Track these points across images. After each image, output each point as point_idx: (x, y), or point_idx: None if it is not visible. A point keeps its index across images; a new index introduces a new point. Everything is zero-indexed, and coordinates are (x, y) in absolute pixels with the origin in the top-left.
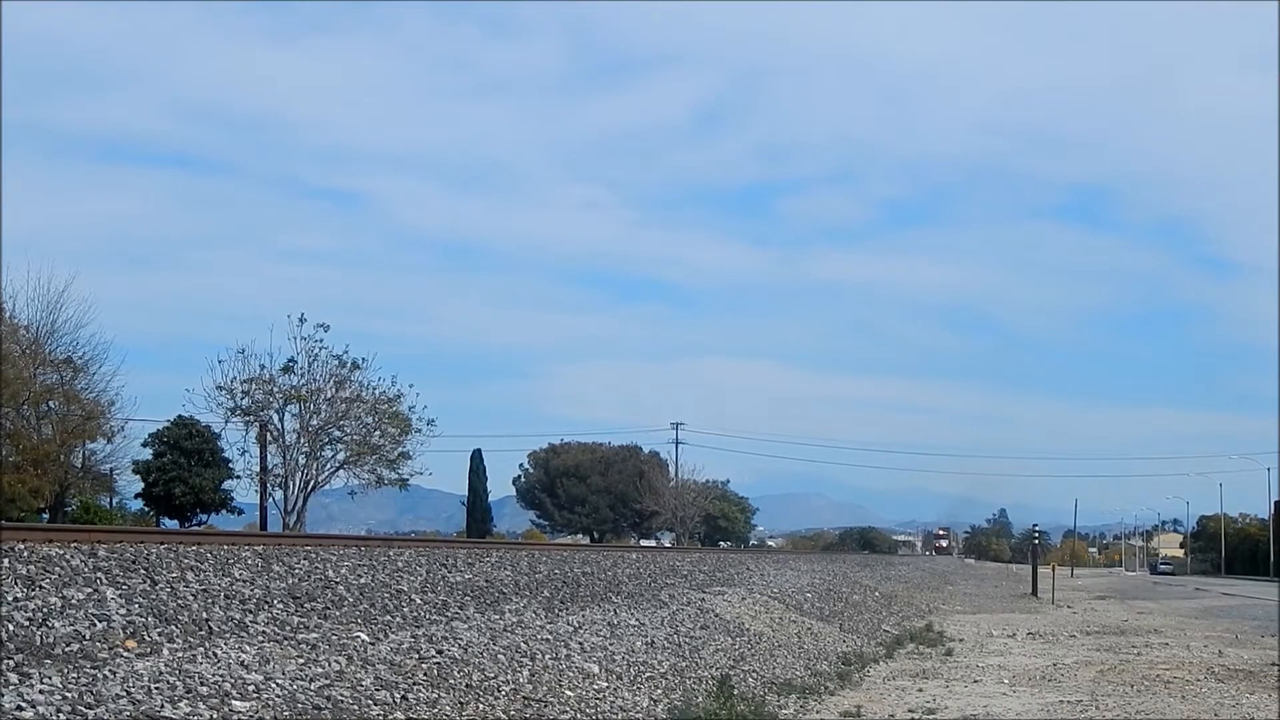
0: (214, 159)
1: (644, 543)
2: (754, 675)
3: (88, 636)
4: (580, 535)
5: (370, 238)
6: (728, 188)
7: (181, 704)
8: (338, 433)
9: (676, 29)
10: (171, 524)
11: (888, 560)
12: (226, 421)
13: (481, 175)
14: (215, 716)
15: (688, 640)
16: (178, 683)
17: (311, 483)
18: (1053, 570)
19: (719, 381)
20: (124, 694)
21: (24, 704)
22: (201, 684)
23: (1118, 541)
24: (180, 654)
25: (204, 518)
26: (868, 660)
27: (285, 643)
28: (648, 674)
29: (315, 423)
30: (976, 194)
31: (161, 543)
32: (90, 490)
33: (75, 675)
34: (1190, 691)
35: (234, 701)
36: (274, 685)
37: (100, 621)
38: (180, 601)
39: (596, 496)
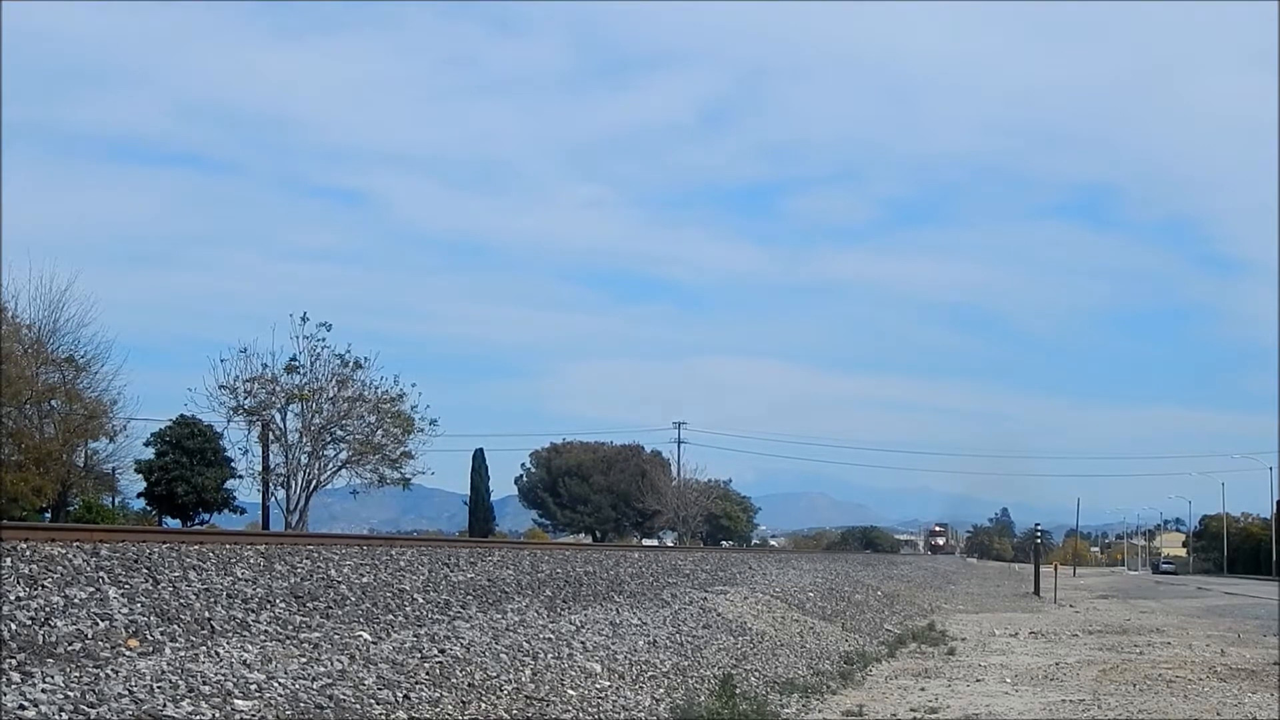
0: (218, 158)
1: (646, 542)
2: (756, 674)
3: (90, 636)
4: (582, 534)
5: (374, 236)
6: (732, 187)
7: (184, 703)
8: (340, 432)
9: (681, 28)
10: (174, 523)
11: (890, 559)
12: (229, 421)
13: (485, 174)
14: (218, 716)
15: (690, 639)
16: (180, 682)
17: (314, 482)
18: (1055, 569)
19: (722, 380)
20: (126, 693)
21: (26, 703)
22: (204, 683)
23: (1120, 541)
24: (182, 653)
25: (206, 517)
26: (870, 659)
27: (288, 642)
28: (650, 673)
29: (318, 422)
30: (980, 193)
31: (164, 542)
32: (92, 489)
33: (77, 674)
34: (1193, 691)
35: (236, 701)
36: (276, 684)
37: (102, 621)
38: (182, 601)
39: (599, 496)
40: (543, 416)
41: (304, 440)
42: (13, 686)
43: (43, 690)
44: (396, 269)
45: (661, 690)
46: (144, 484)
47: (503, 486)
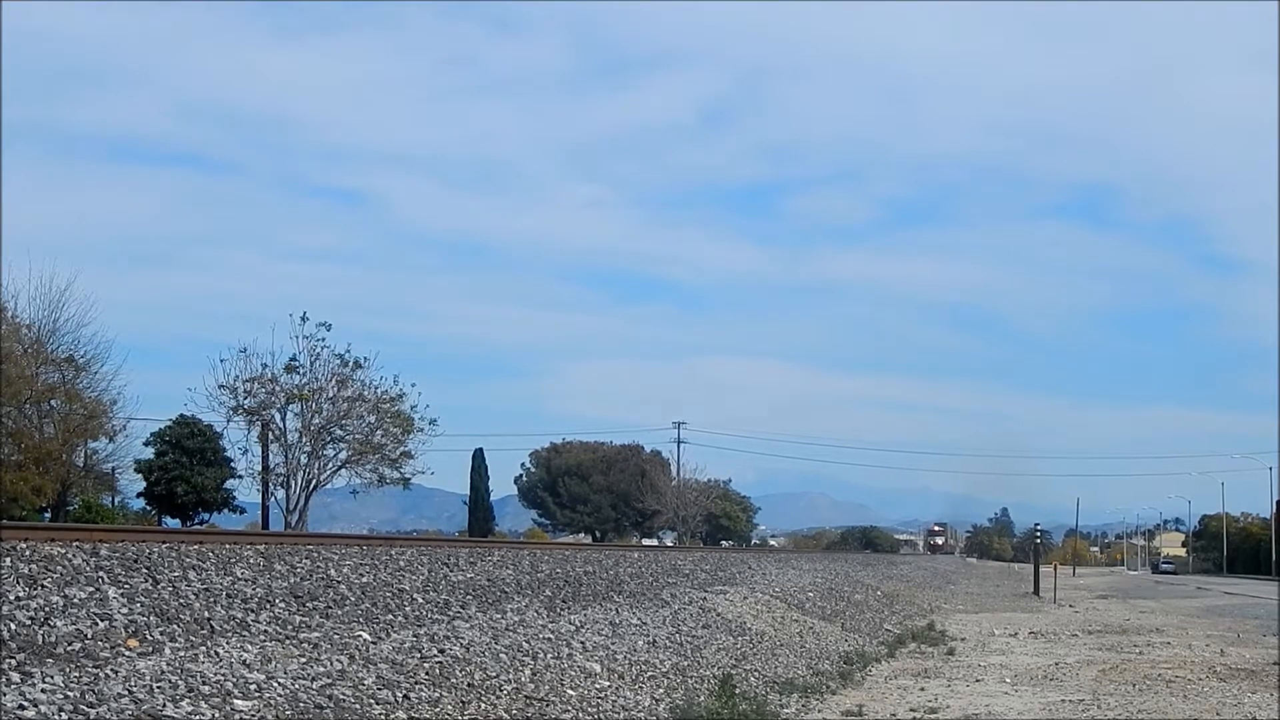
0: (218, 158)
1: (646, 542)
2: (756, 674)
3: (90, 636)
4: (582, 534)
5: (374, 236)
6: (732, 187)
7: (183, 703)
8: (340, 432)
9: (681, 28)
10: (173, 523)
11: (890, 559)
12: (228, 420)
13: (485, 174)
14: (217, 716)
15: (690, 639)
16: (180, 682)
17: (313, 482)
18: (1054, 569)
19: (722, 380)
20: (126, 693)
21: (26, 703)
22: (203, 683)
23: (1120, 540)
24: (182, 653)
25: (206, 517)
26: (870, 659)
27: (287, 642)
28: (650, 673)
29: (317, 422)
30: (980, 193)
31: (163, 542)
32: (92, 489)
33: (77, 674)
34: (1192, 691)
35: (236, 701)
36: (276, 684)
37: (102, 620)
38: (182, 601)
39: (598, 496)
40: (543, 416)
41: (304, 440)
42: (12, 686)
43: (42, 690)
44: (396, 269)
45: (661, 690)
46: (144, 484)
47: (502, 486)
